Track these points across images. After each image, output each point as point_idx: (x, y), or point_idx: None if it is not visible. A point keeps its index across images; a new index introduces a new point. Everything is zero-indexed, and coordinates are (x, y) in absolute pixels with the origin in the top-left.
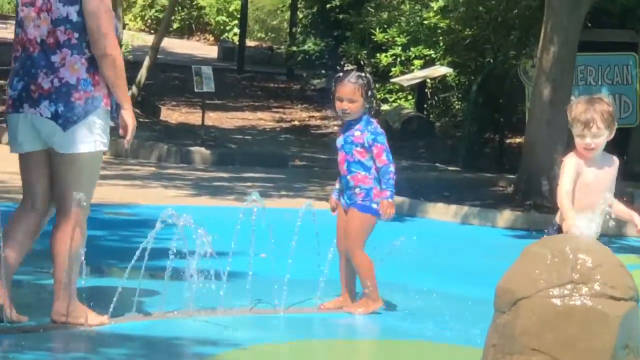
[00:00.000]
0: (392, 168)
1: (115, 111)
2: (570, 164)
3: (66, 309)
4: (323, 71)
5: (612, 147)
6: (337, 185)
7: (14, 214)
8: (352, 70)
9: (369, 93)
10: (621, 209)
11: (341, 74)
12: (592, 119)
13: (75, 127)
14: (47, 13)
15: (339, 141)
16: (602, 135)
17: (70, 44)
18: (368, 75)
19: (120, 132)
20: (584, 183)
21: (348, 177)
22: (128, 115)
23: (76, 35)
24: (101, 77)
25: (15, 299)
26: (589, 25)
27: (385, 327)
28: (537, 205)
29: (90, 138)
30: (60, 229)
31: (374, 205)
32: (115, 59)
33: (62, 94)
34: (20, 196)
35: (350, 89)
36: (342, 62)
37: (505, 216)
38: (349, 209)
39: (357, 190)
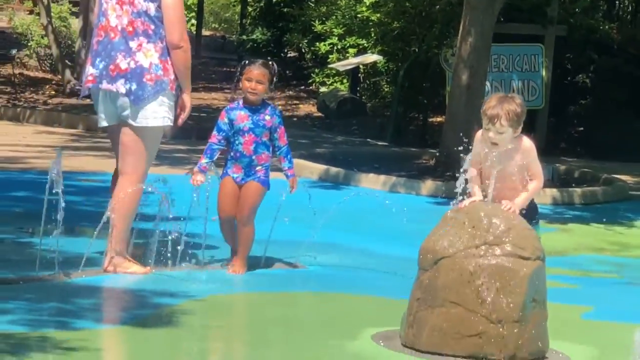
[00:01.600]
0: (289, 148)
1: (177, 94)
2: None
3: (117, 260)
4: (269, 57)
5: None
6: (206, 160)
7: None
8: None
9: (273, 80)
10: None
11: (251, 61)
12: (497, 115)
13: (146, 104)
14: (129, 5)
15: (246, 124)
16: (504, 133)
17: (147, 33)
18: (275, 65)
19: (178, 111)
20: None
21: (253, 156)
22: (187, 99)
23: (152, 27)
24: (169, 63)
25: None
26: (502, 19)
27: (322, 280)
28: (455, 176)
29: (158, 114)
30: (119, 189)
31: (269, 180)
32: (186, 50)
33: (136, 75)
34: (5, 165)
35: (260, 72)
36: (285, 50)
37: (428, 185)
38: (248, 182)
39: (258, 167)
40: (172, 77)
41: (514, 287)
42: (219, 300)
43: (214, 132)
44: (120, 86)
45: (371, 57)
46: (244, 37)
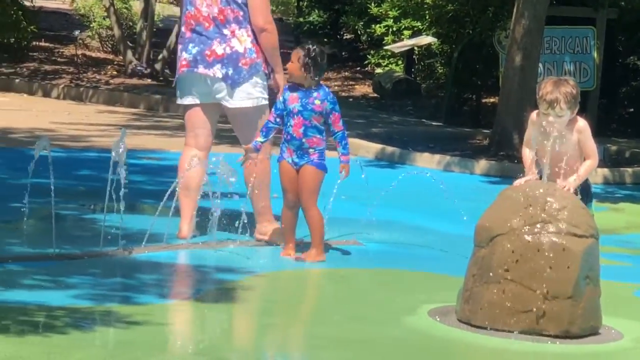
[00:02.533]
0: (346, 134)
1: (269, 74)
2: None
3: (264, 230)
4: (325, 39)
5: None
6: (261, 139)
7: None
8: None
9: (306, 60)
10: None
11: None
12: (557, 99)
13: (242, 86)
14: None
15: (296, 106)
16: (564, 115)
17: (238, 20)
18: (316, 49)
19: (275, 89)
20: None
21: (303, 139)
22: (280, 78)
23: (241, 13)
24: (259, 47)
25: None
26: (554, 2)
27: (379, 257)
28: (508, 156)
29: (253, 95)
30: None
31: (325, 164)
32: (271, 31)
33: (232, 60)
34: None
35: (294, 52)
36: (341, 32)
37: (482, 165)
38: (304, 166)
39: (311, 151)
40: (264, 58)
41: (568, 264)
42: (279, 276)
43: (272, 110)
44: (217, 71)
45: (426, 39)
46: (301, 19)
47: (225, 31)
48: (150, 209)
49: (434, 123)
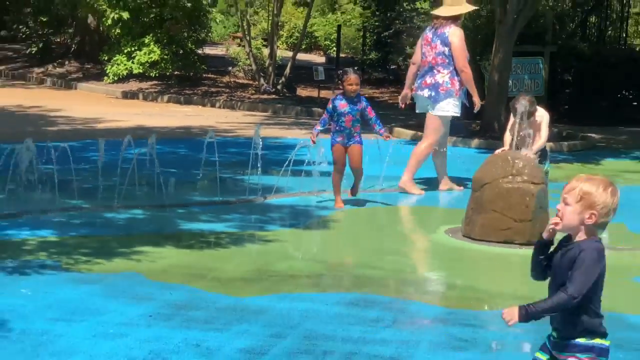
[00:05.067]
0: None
1: (466, 97)
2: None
3: (406, 182)
4: (380, 69)
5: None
6: (320, 127)
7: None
8: (352, 69)
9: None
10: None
11: (346, 70)
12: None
13: (440, 103)
14: (434, 49)
15: (346, 109)
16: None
17: (442, 64)
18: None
19: (476, 105)
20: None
21: (352, 128)
22: (476, 99)
23: (446, 60)
24: (456, 80)
25: (222, 186)
26: (518, 42)
27: (412, 198)
28: (492, 137)
29: (444, 109)
30: (420, 143)
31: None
32: (466, 72)
33: (434, 86)
34: (225, 134)
35: (357, 77)
36: (389, 64)
37: (475, 142)
38: (352, 145)
39: (355, 134)
40: (457, 87)
41: (528, 200)
42: (352, 212)
43: (325, 112)
44: (426, 92)
45: None
46: (364, 57)
47: (434, 70)
48: (276, 172)
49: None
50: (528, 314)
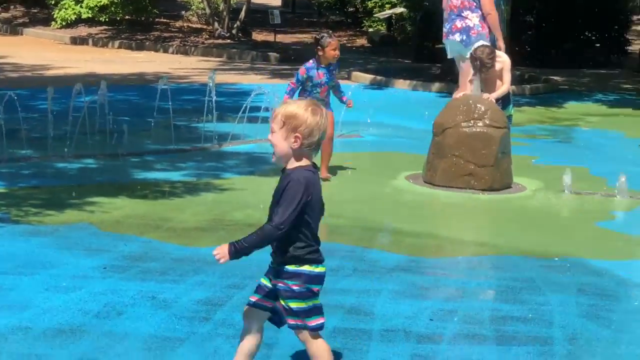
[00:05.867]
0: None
1: (494, 40)
2: None
3: None
4: (337, 12)
5: None
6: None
7: None
8: (328, 32)
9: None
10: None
11: (324, 34)
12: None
13: (470, 45)
14: None
15: (323, 80)
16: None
17: (470, 8)
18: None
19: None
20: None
21: (325, 99)
22: (500, 43)
23: (474, 4)
24: (485, 24)
25: (177, 134)
26: None
27: (374, 144)
28: (452, 80)
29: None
30: (457, 91)
31: None
32: (492, 14)
33: (465, 30)
34: (179, 80)
35: (336, 42)
36: (347, 7)
37: (436, 86)
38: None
39: (327, 103)
40: (487, 31)
41: (491, 145)
42: None
43: (294, 81)
44: (457, 36)
45: (399, 9)
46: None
47: (463, 14)
48: (232, 119)
49: (406, 61)
50: (237, 251)
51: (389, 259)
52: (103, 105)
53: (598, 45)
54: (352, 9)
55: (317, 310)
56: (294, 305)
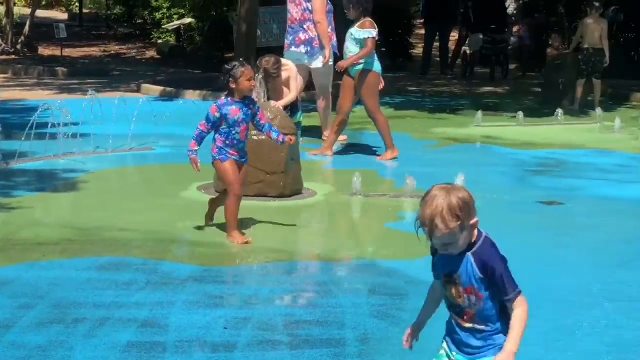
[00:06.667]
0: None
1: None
2: None
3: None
4: (125, 24)
5: None
6: (196, 148)
7: None
8: (239, 61)
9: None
10: None
11: (235, 63)
12: None
13: (315, 55)
14: (297, 6)
15: (239, 116)
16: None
17: (310, 19)
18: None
19: (323, 59)
20: None
21: (245, 141)
22: (327, 52)
23: (309, 15)
24: (334, 32)
25: None
26: None
27: (165, 157)
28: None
29: (320, 60)
30: (319, 100)
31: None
32: (321, 23)
33: (309, 42)
34: None
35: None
36: (135, 18)
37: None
38: (244, 164)
39: (245, 148)
40: (335, 38)
41: (279, 152)
42: (102, 173)
43: (204, 122)
44: (302, 48)
45: (187, 20)
46: (109, 12)
47: (305, 26)
48: (18, 136)
49: (196, 71)
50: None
51: (182, 270)
52: None
53: (384, 49)
54: (140, 21)
55: None
56: None
